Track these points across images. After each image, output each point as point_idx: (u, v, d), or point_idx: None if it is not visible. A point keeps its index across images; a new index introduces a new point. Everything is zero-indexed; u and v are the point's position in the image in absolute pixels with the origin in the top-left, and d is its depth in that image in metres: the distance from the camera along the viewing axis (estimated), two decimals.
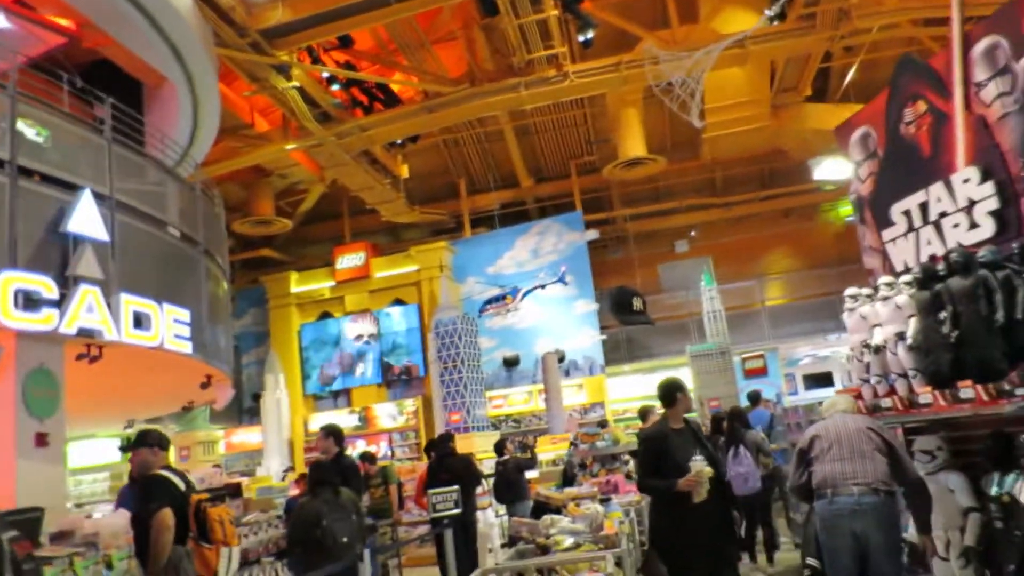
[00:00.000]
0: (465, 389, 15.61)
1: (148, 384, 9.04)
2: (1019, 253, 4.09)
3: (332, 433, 6.77)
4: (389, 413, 18.45)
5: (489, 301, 18.36)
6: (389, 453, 17.89)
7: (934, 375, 4.28)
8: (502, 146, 19.25)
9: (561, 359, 18.35)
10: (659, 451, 4.42)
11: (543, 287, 17.66)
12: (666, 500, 4.38)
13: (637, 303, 18.00)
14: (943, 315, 4.21)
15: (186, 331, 7.57)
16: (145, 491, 4.63)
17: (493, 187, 20.19)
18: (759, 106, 16.00)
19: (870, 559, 4.10)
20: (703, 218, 21.30)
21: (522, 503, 9.26)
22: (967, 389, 3.95)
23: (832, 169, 15.52)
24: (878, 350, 4.72)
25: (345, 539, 5.57)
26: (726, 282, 18.48)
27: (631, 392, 21.09)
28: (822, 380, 23.57)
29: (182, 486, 4.64)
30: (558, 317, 18.90)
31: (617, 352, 20.11)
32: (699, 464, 4.24)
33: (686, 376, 18.14)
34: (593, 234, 19.29)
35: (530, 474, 11.42)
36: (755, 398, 9.83)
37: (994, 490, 4.16)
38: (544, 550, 4.27)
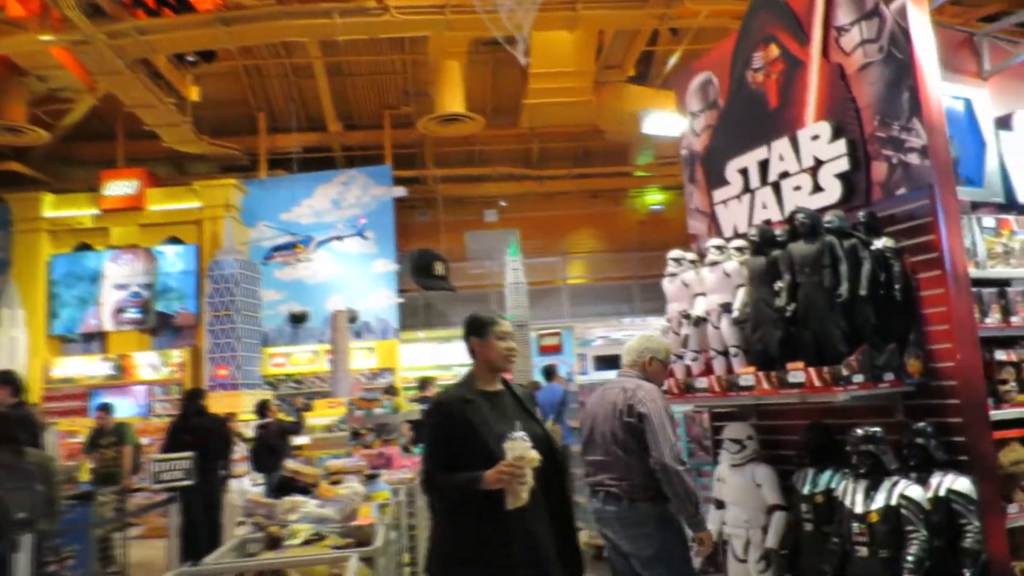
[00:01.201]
0: (238, 341, 13.97)
1: None
2: (865, 223, 3.58)
3: (8, 382, 5.28)
4: (151, 363, 16.36)
5: (277, 248, 16.70)
6: (147, 408, 15.88)
7: (760, 354, 3.70)
8: (311, 84, 17.55)
9: (353, 319, 17.16)
10: (456, 426, 2.75)
11: (340, 239, 16.28)
12: (463, 509, 2.72)
13: (439, 268, 17.18)
14: (779, 285, 3.63)
15: None
16: None
17: (296, 128, 18.45)
18: (583, 79, 15.60)
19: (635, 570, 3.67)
20: (515, 189, 20.83)
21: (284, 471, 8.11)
22: (797, 372, 3.39)
23: (661, 123, 15.22)
24: (699, 322, 4.12)
25: (22, 514, 4.28)
26: (531, 256, 18.11)
27: (424, 360, 20.32)
28: (611, 362, 24.16)
29: None
30: (354, 275, 17.65)
31: (414, 318, 19.20)
32: (519, 443, 2.59)
33: None
34: (401, 191, 18.17)
35: (301, 440, 10.31)
36: (550, 372, 9.29)
37: (806, 488, 3.66)
38: (274, 542, 3.25)
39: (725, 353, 4.00)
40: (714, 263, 4.06)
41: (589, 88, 15.94)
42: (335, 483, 5.44)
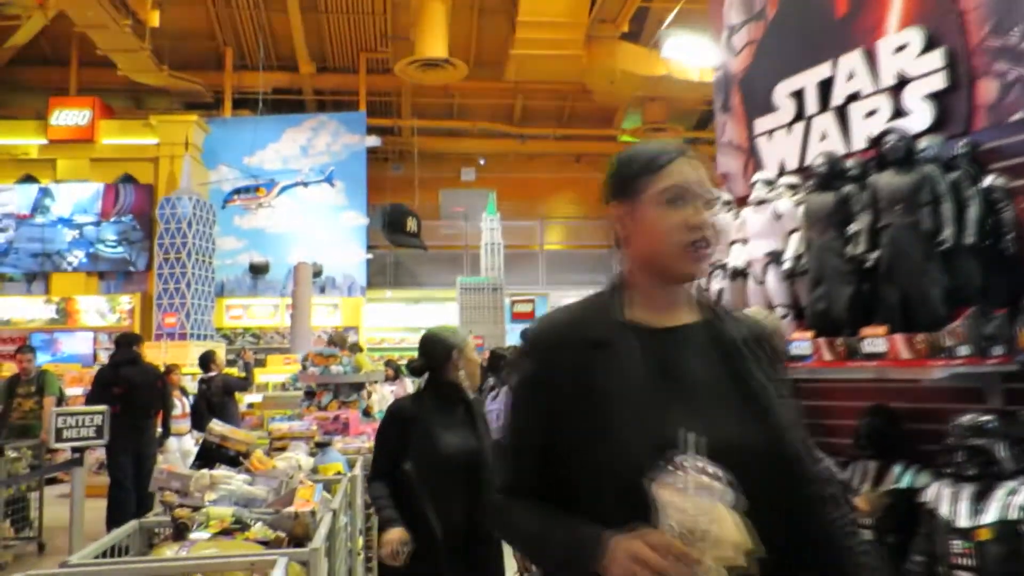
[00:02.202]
0: (188, 288, 12.93)
1: None
2: (966, 156, 2.78)
3: None
4: (98, 309, 15.27)
5: (237, 191, 15.60)
6: (92, 357, 14.83)
7: (821, 316, 2.92)
8: (283, 20, 16.38)
9: (318, 273, 16.21)
10: (563, 398, 1.25)
11: (305, 185, 15.25)
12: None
13: (412, 224, 16.28)
14: (852, 229, 2.83)
15: None
16: None
17: (265, 66, 17.28)
18: (574, 31, 14.66)
19: None
20: (494, 148, 19.89)
21: None
22: (877, 339, 2.61)
23: (685, 47, 13.76)
24: (736, 275, 3.32)
25: None
26: (508, 219, 17.28)
27: (391, 321, 19.50)
28: None
29: None
30: (321, 226, 16.65)
31: (382, 276, 18.30)
32: (702, 501, 1.04)
33: (452, 311, 16.82)
34: (375, 140, 17.15)
35: (252, 398, 9.46)
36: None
37: (865, 486, 2.91)
38: (180, 530, 2.42)
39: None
40: (761, 202, 3.26)
41: (580, 42, 15.01)
42: (280, 450, 4.61)
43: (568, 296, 21.00)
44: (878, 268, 2.73)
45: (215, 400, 7.26)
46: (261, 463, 3.19)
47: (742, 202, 3.57)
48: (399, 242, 16.25)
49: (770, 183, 3.28)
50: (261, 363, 10.73)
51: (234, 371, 8.61)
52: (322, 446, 4.38)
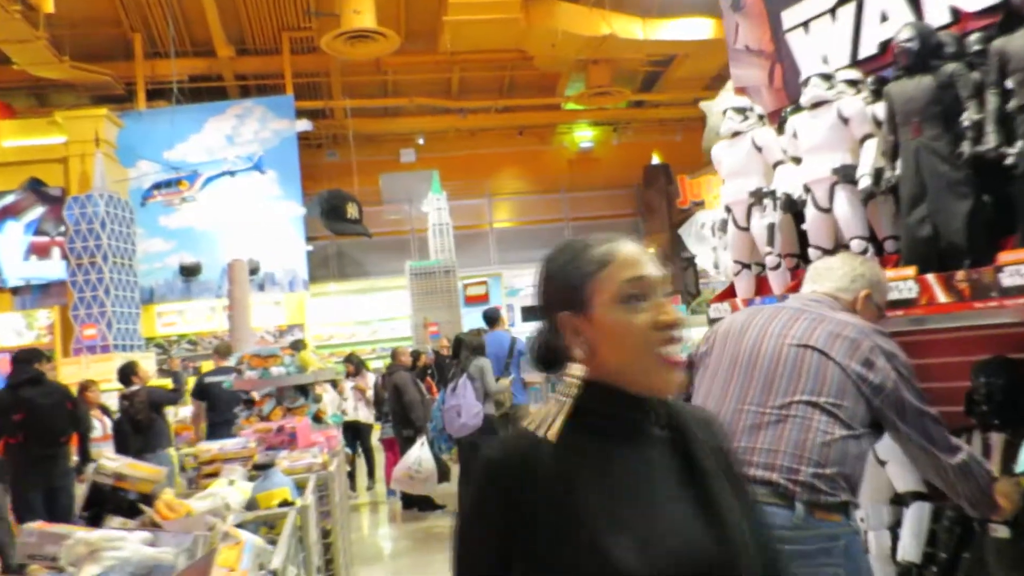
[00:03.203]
0: (107, 295, 11.73)
1: None
2: None
3: None
4: (14, 327, 13.92)
5: (157, 186, 14.35)
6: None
7: (927, 244, 2.16)
8: (195, 2, 15.13)
9: (255, 270, 15.08)
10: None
11: (232, 174, 14.09)
12: None
13: (352, 210, 15.29)
14: (970, 118, 2.07)
15: None
16: None
17: (179, 52, 15.99)
18: None
19: None
20: (434, 125, 18.94)
21: (156, 454, 6.30)
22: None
23: None
24: (790, 204, 2.54)
25: None
26: (453, 199, 16.39)
27: (338, 315, 18.50)
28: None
29: None
30: (254, 220, 15.50)
31: (325, 268, 17.29)
32: None
33: (404, 298, 15.90)
34: (306, 124, 16.02)
35: (187, 412, 8.44)
36: (492, 318, 7.66)
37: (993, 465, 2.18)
38: None
39: (834, 250, 2.45)
40: (819, 102, 2.48)
41: (517, 4, 14.11)
42: (210, 476, 3.72)
43: (521, 275, 20.25)
44: (1017, 169, 1.97)
45: (140, 418, 6.29)
46: (171, 510, 2.31)
47: (775, 117, 2.79)
48: (340, 230, 15.25)
49: (828, 78, 2.50)
50: (195, 371, 9.69)
51: (160, 381, 7.63)
52: (263, 468, 3.49)
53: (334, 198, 15.03)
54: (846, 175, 2.37)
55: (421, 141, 19.17)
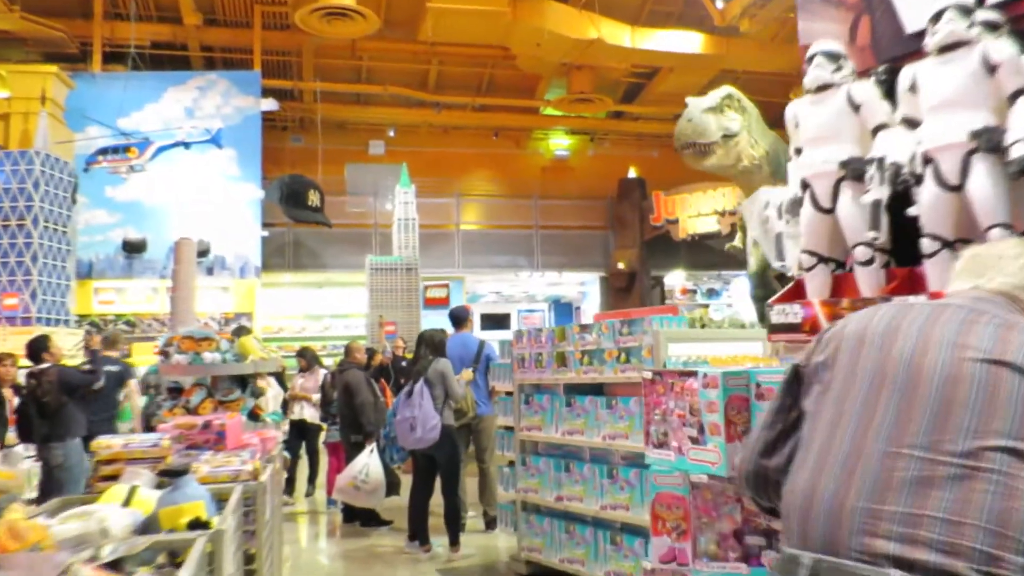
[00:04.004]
0: (34, 263, 10.75)
1: None
2: None
3: None
4: None
5: (103, 151, 13.35)
6: None
7: None
8: None
9: (204, 252, 14.19)
10: None
11: (186, 146, 13.16)
12: None
13: (314, 197, 14.46)
14: None
15: None
16: None
17: (142, 16, 15.07)
18: None
19: None
20: (406, 118, 18.22)
21: (64, 443, 5.49)
22: None
23: None
24: (918, 180, 1.93)
25: None
26: (420, 196, 15.67)
27: (290, 308, 17.64)
28: (499, 322, 22.18)
29: None
30: (209, 199, 14.63)
31: (280, 257, 16.40)
32: None
33: (360, 295, 15.13)
34: (272, 103, 15.20)
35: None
36: (459, 318, 6.97)
37: None
38: None
39: (960, 243, 1.84)
40: (956, 44, 1.88)
41: None
42: (109, 479, 2.98)
43: (484, 280, 19.61)
44: None
45: (47, 400, 5.47)
46: (13, 538, 1.59)
47: (864, 75, 2.18)
48: (300, 217, 14.41)
49: (968, 13, 1.90)
50: (125, 353, 8.79)
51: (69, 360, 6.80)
52: (174, 475, 2.77)
53: (295, 183, 14.20)
54: (989, 141, 1.78)
55: (392, 133, 18.45)
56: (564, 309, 23.32)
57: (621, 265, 17.45)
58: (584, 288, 20.22)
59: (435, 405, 5.63)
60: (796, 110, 2.36)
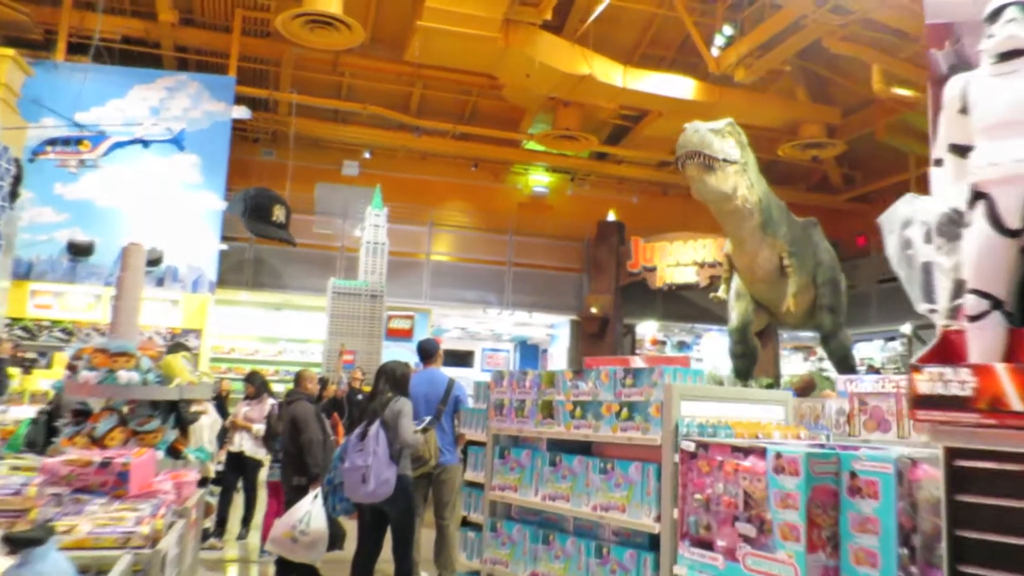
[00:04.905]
0: None
1: None
2: None
3: None
4: None
5: (52, 141, 12.44)
6: None
7: None
8: None
9: (156, 261, 13.29)
10: None
11: (145, 144, 12.28)
12: None
13: (279, 213, 13.65)
14: None
15: None
16: None
17: (115, 8, 14.31)
18: (493, 8, 12.65)
19: None
20: (384, 140, 17.58)
21: None
22: None
23: None
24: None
25: None
26: (392, 222, 14.94)
27: (244, 327, 16.71)
28: (462, 359, 21.38)
29: None
30: (167, 205, 13.76)
31: (238, 273, 15.49)
32: None
33: (320, 321, 14.27)
34: (244, 111, 14.44)
35: (20, 412, 6.66)
36: (430, 351, 6.20)
37: None
38: None
39: None
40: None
41: (498, 22, 13.02)
42: None
43: (451, 315, 18.84)
44: None
45: None
46: None
47: (1017, 55, 1.55)
48: (263, 233, 13.58)
49: None
50: (31, 363, 7.86)
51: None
52: (26, 543, 1.98)
53: (260, 196, 13.39)
54: None
55: (368, 155, 17.76)
56: (530, 351, 22.60)
57: (594, 310, 16.82)
58: (553, 331, 19.55)
59: (391, 452, 4.84)
60: (969, 85, 1.69)
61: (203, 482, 6.12)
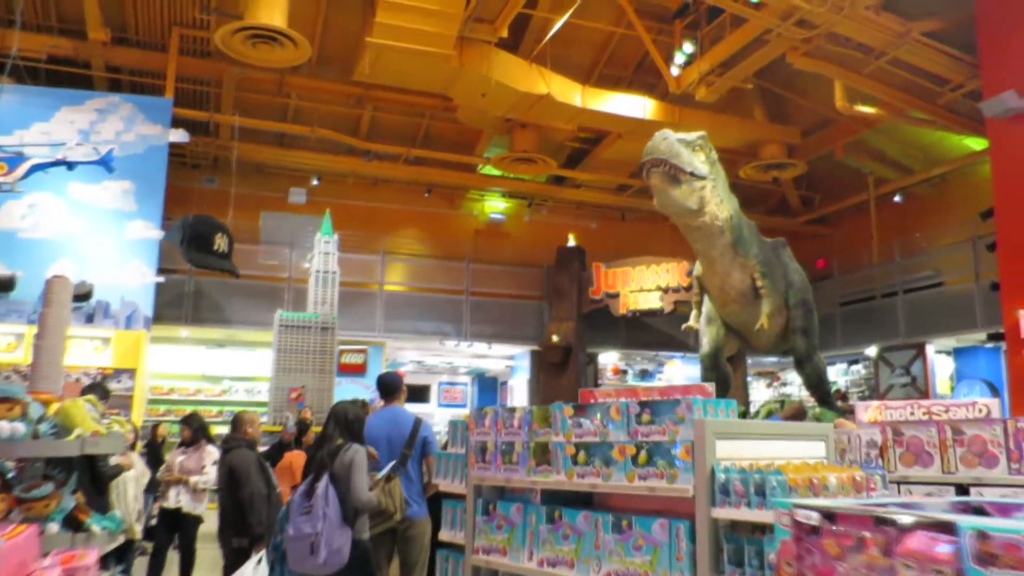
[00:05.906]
0: None
1: None
2: None
3: None
4: None
5: None
6: None
7: None
8: None
9: (85, 296, 12.25)
10: None
11: (70, 167, 11.26)
12: None
13: (221, 242, 12.78)
14: None
15: None
16: None
17: (40, 26, 13.35)
18: (446, 24, 12.05)
19: None
20: (333, 165, 16.78)
21: None
22: None
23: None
24: None
25: None
26: (343, 251, 14.13)
27: (183, 366, 15.66)
28: (418, 395, 20.52)
29: None
30: (98, 235, 12.76)
31: (176, 308, 14.44)
32: None
33: (267, 357, 13.33)
34: (182, 135, 13.54)
35: None
36: (392, 385, 5.41)
37: None
38: None
39: None
40: None
41: (452, 39, 12.41)
42: None
43: (406, 348, 17.98)
44: None
45: None
46: None
47: None
48: (203, 263, 12.66)
49: None
50: None
51: None
52: None
53: (200, 224, 12.50)
54: None
55: (315, 181, 16.95)
56: (489, 384, 21.84)
57: (556, 338, 16.17)
58: (513, 362, 18.82)
59: (343, 513, 4.03)
60: None
61: (126, 546, 5.21)
